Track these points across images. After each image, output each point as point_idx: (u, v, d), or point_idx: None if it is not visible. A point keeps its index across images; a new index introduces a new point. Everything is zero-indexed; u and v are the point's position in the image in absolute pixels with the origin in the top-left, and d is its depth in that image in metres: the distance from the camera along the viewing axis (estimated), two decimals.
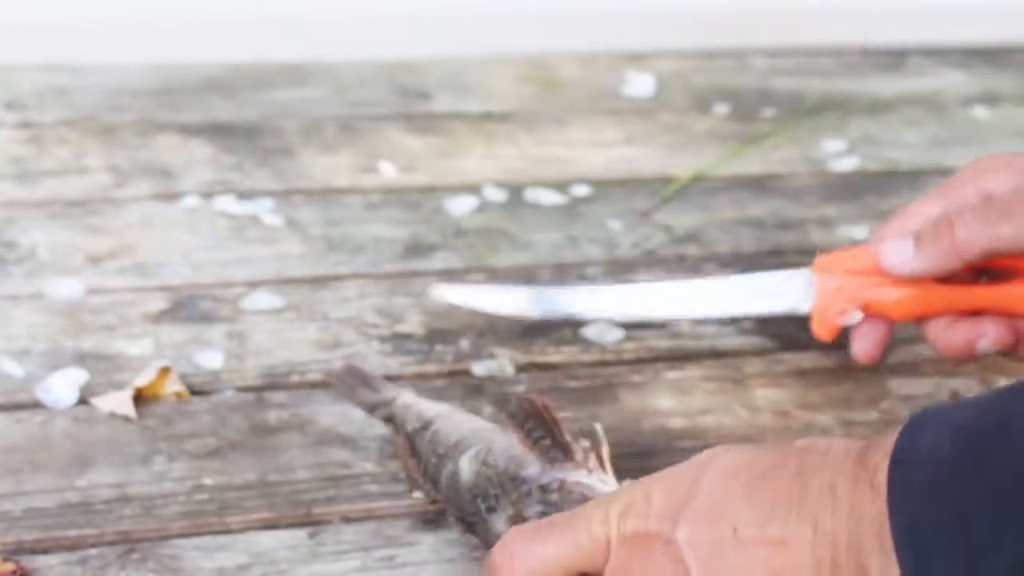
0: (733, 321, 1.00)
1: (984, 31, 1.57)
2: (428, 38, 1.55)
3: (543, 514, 0.71)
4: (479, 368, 0.93)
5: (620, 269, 1.06)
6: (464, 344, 0.96)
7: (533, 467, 0.74)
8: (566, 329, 0.97)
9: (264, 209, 1.11)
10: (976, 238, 0.81)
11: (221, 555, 0.76)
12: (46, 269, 1.01)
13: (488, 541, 0.73)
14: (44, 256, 1.03)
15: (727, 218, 1.15)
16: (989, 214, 0.82)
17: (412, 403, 0.84)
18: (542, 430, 0.76)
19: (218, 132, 1.25)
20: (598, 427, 0.77)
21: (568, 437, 0.76)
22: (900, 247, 0.83)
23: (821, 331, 0.88)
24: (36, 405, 0.87)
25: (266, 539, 0.77)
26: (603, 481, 0.74)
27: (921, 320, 0.88)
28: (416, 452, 0.81)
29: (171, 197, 1.13)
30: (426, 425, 0.81)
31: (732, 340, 0.98)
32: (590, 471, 0.74)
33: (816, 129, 1.33)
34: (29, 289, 0.98)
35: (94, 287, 0.99)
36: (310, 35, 1.53)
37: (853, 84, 1.44)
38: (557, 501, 0.72)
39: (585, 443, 0.76)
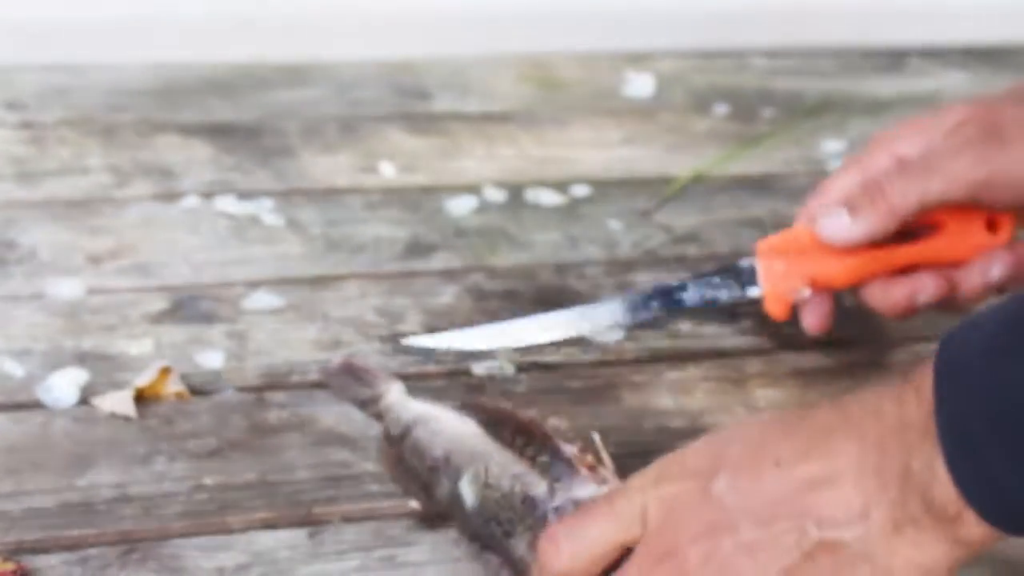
0: (733, 321, 1.00)
1: (984, 31, 1.57)
2: (428, 38, 1.55)
3: None
4: (479, 368, 0.93)
5: (620, 269, 1.06)
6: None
7: (540, 487, 0.73)
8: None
9: (264, 209, 1.11)
10: (908, 195, 0.84)
11: (221, 555, 0.76)
12: (47, 269, 1.01)
13: (512, 563, 0.73)
14: (45, 256, 1.03)
15: (727, 218, 1.15)
16: (914, 172, 0.84)
17: (394, 403, 0.84)
18: (535, 446, 0.75)
19: (218, 132, 1.25)
20: (596, 436, 0.77)
21: (568, 449, 0.75)
22: (836, 218, 0.85)
23: (775, 312, 0.91)
24: (36, 405, 0.87)
25: (266, 539, 0.77)
26: None
27: (862, 284, 0.90)
28: (402, 459, 0.80)
29: (171, 197, 1.13)
30: (405, 431, 0.81)
31: (732, 340, 0.98)
32: (599, 484, 0.73)
33: (816, 129, 1.33)
34: (30, 289, 0.99)
35: (94, 287, 0.99)
36: (310, 35, 1.53)
37: (853, 84, 1.44)
38: None
39: (588, 457, 0.75)
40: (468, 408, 0.81)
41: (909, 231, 0.88)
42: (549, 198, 1.17)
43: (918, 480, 0.60)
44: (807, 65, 1.50)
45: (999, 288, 0.89)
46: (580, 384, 0.93)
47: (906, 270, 0.89)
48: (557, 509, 0.72)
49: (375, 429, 0.85)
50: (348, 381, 0.88)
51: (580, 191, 1.19)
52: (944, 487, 0.60)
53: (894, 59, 1.51)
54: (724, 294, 0.91)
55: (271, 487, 0.81)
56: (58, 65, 1.36)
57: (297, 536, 0.77)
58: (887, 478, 0.61)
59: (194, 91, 1.33)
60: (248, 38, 1.51)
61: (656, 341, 0.98)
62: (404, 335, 0.95)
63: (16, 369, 0.90)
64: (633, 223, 1.13)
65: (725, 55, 1.52)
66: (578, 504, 0.72)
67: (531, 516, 0.73)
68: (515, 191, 1.18)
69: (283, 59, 1.42)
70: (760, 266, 0.90)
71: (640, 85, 1.42)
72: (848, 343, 0.99)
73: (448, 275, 1.04)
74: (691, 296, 0.91)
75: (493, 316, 0.99)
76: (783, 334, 0.99)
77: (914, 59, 1.51)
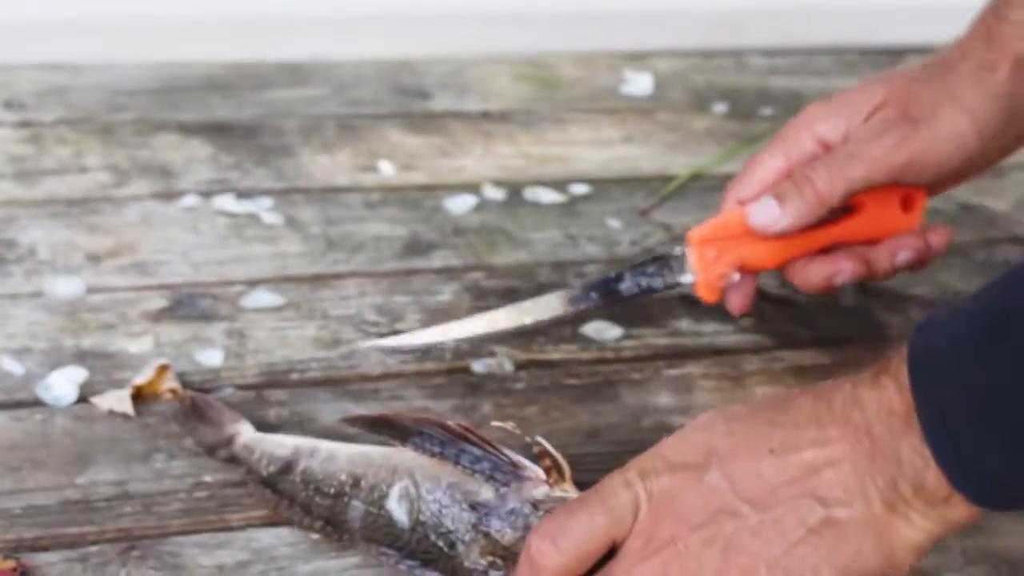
0: (732, 319, 1.00)
1: None
2: (427, 37, 1.55)
3: (523, 537, 0.70)
4: (479, 366, 0.93)
5: (619, 267, 1.06)
6: (463, 343, 0.96)
7: (486, 493, 0.72)
8: (566, 327, 0.98)
9: (263, 208, 1.11)
10: (835, 184, 0.86)
11: (221, 552, 0.76)
12: (46, 268, 1.01)
13: (459, 574, 0.72)
14: (44, 255, 1.03)
15: None
16: (839, 160, 0.87)
17: (254, 441, 0.81)
18: (471, 455, 0.73)
19: (218, 131, 1.25)
20: (542, 440, 0.73)
21: (512, 454, 0.73)
22: (766, 209, 0.87)
23: (707, 296, 0.92)
24: (36, 403, 0.87)
25: (266, 536, 0.77)
26: (566, 491, 0.72)
27: (786, 265, 0.93)
28: (283, 495, 0.78)
29: (171, 196, 1.13)
30: (287, 467, 0.78)
31: (731, 338, 0.99)
32: (552, 485, 0.72)
33: None
34: (29, 288, 0.99)
35: (94, 286, 0.99)
36: (309, 34, 1.53)
37: (851, 83, 1.44)
38: (534, 521, 0.71)
39: (546, 461, 0.73)
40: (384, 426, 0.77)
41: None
42: (548, 196, 1.17)
43: (909, 466, 0.63)
44: (806, 64, 1.50)
45: (909, 268, 0.93)
46: (579, 382, 0.93)
47: (827, 249, 0.92)
48: (513, 511, 0.71)
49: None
50: (195, 423, 0.84)
51: (579, 190, 1.19)
52: (934, 473, 0.62)
53: (892, 58, 1.51)
54: (659, 282, 0.92)
55: None
56: (57, 64, 1.36)
57: (297, 534, 0.77)
58: (880, 462, 0.63)
59: (193, 90, 1.33)
60: (248, 37, 1.51)
61: (655, 339, 0.98)
62: (401, 332, 0.95)
63: (16, 367, 0.90)
64: (632, 221, 1.14)
65: (724, 54, 1.52)
66: (538, 503, 0.71)
67: (483, 523, 0.72)
68: (514, 190, 1.18)
69: (282, 58, 1.42)
70: (692, 254, 0.91)
71: (639, 84, 1.42)
72: (847, 340, 0.99)
73: (447, 273, 1.05)
74: (628, 285, 0.92)
75: None
76: (782, 331, 0.99)
77: (912, 58, 1.51)
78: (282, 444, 0.80)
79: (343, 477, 0.76)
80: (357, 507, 0.75)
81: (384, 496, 0.74)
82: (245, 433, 0.82)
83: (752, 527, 0.64)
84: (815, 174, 0.86)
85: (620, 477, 0.68)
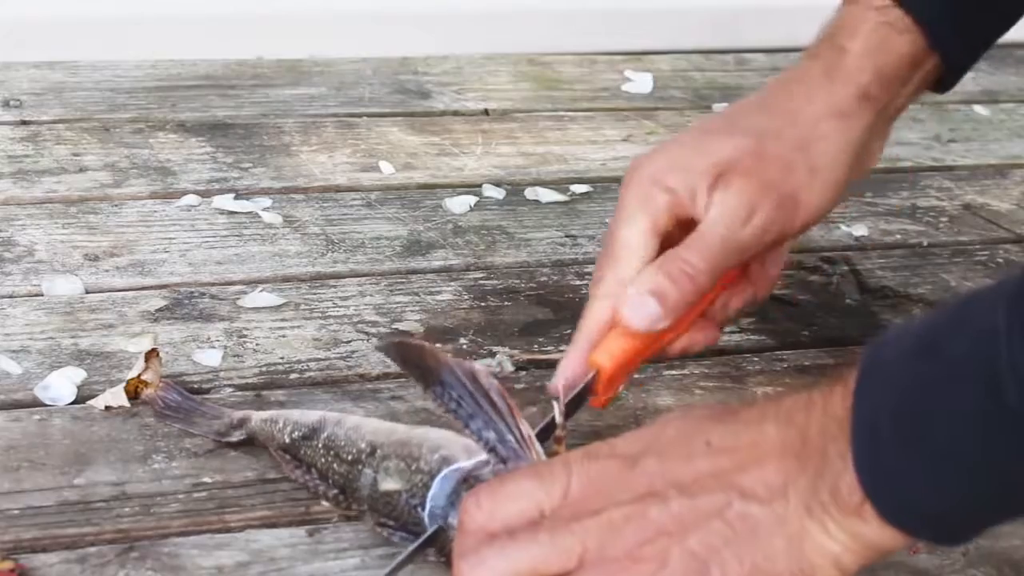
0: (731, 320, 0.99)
1: None
2: (427, 36, 1.55)
3: None
4: (478, 366, 0.92)
5: None
6: (463, 342, 0.95)
7: (484, 471, 0.73)
8: (566, 327, 0.97)
9: (262, 207, 1.11)
10: (711, 273, 0.80)
11: (220, 553, 0.75)
12: (44, 267, 1.01)
13: (432, 539, 0.72)
14: (42, 254, 1.02)
15: None
16: (709, 247, 0.80)
17: (276, 415, 0.81)
18: (484, 419, 0.73)
19: (216, 130, 1.25)
20: (556, 406, 0.76)
21: (525, 429, 0.73)
22: (646, 310, 0.79)
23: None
24: (34, 403, 0.86)
25: (265, 537, 0.77)
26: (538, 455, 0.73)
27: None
28: (302, 461, 0.79)
29: (169, 195, 1.12)
30: (312, 433, 0.79)
31: (732, 338, 0.98)
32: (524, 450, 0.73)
33: None
34: (27, 287, 0.98)
35: (92, 285, 0.99)
36: (309, 33, 1.53)
37: None
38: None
39: (557, 448, 0.74)
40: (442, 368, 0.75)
41: None
42: (548, 196, 1.17)
43: (832, 469, 0.63)
44: None
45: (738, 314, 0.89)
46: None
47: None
48: (472, 471, 0.72)
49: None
50: (184, 416, 0.85)
51: (579, 189, 1.18)
52: (850, 476, 0.62)
53: None
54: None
55: (270, 485, 0.80)
56: (56, 63, 1.36)
57: (296, 534, 0.77)
58: (805, 463, 0.64)
59: (192, 89, 1.33)
60: (247, 36, 1.51)
61: None
62: (404, 333, 0.95)
63: (14, 367, 0.89)
64: None
65: (724, 53, 1.52)
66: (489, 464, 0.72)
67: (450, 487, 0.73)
68: (514, 189, 1.18)
69: (282, 57, 1.42)
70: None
71: (639, 83, 1.42)
72: (847, 340, 0.99)
73: (447, 273, 1.04)
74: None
75: (492, 313, 0.99)
76: (782, 332, 0.99)
77: None
78: (309, 413, 0.81)
79: (362, 445, 0.77)
80: (368, 475, 0.76)
81: (387, 468, 0.75)
82: (257, 412, 0.83)
83: (673, 510, 0.65)
84: (689, 267, 0.80)
85: (563, 457, 0.70)
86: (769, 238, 0.82)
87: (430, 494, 0.73)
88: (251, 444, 0.82)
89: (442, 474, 0.73)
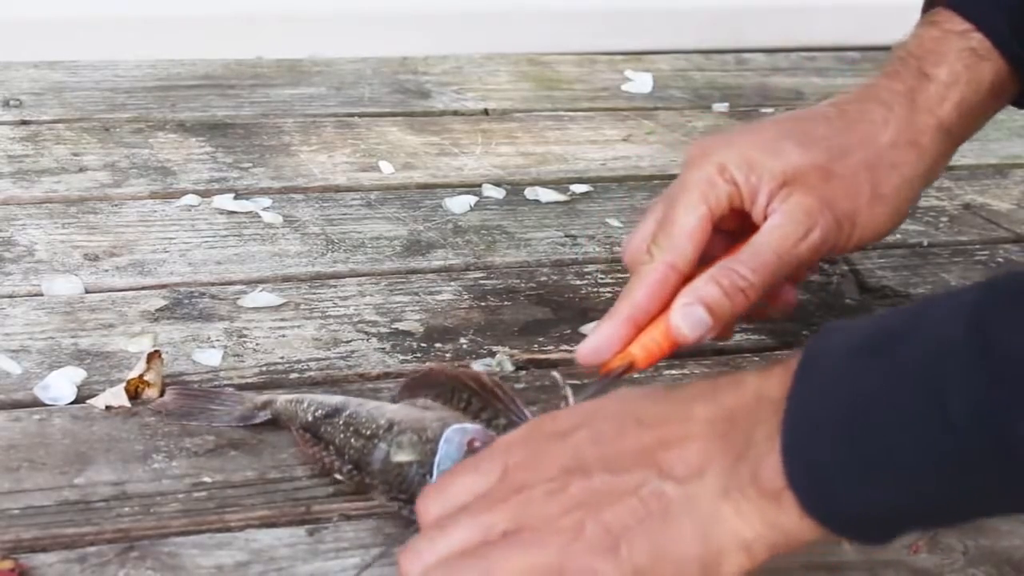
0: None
1: None
2: (427, 36, 1.55)
3: None
4: (478, 366, 0.93)
5: (619, 267, 1.06)
6: (463, 342, 0.95)
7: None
8: (565, 327, 0.97)
9: (262, 207, 1.11)
10: (762, 287, 0.80)
11: (220, 553, 0.75)
12: (44, 267, 1.01)
13: None
14: (42, 254, 1.02)
15: None
16: (765, 261, 0.80)
17: (302, 396, 0.84)
18: (492, 410, 0.77)
19: (216, 130, 1.25)
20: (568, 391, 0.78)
21: (528, 413, 0.77)
22: (696, 320, 0.79)
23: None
24: (34, 403, 0.86)
25: (265, 537, 0.77)
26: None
27: None
28: (321, 439, 0.80)
29: (169, 195, 1.12)
30: (335, 412, 0.81)
31: (732, 338, 0.98)
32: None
33: None
34: (27, 287, 0.98)
35: (92, 285, 0.99)
36: (308, 33, 1.53)
37: (852, 82, 1.44)
38: None
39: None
40: (418, 386, 0.82)
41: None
42: (548, 195, 1.17)
43: (755, 451, 0.63)
44: (806, 63, 1.50)
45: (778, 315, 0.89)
46: (579, 382, 0.92)
47: None
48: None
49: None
50: (197, 404, 0.86)
51: (579, 188, 1.18)
52: (774, 461, 0.62)
53: None
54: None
55: (270, 485, 0.80)
56: (56, 63, 1.36)
57: (296, 534, 0.77)
58: (729, 444, 0.64)
59: (192, 89, 1.33)
60: (246, 35, 1.51)
61: None
62: (404, 333, 0.95)
63: (14, 367, 0.89)
64: (632, 221, 1.13)
65: (724, 53, 1.52)
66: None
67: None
68: (514, 189, 1.18)
69: (281, 56, 1.42)
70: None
71: (639, 83, 1.42)
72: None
73: (447, 273, 1.04)
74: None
75: (492, 313, 0.99)
76: (782, 332, 0.99)
77: None
78: (335, 395, 0.84)
79: (382, 421, 0.78)
80: (382, 448, 0.77)
81: (400, 441, 0.76)
82: (283, 395, 0.85)
83: (594, 485, 0.66)
84: (744, 281, 0.79)
85: (505, 438, 0.72)
86: (821, 254, 0.82)
87: (436, 459, 0.75)
88: (275, 424, 0.84)
89: (444, 436, 0.75)
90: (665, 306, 0.80)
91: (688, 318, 0.79)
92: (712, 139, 0.86)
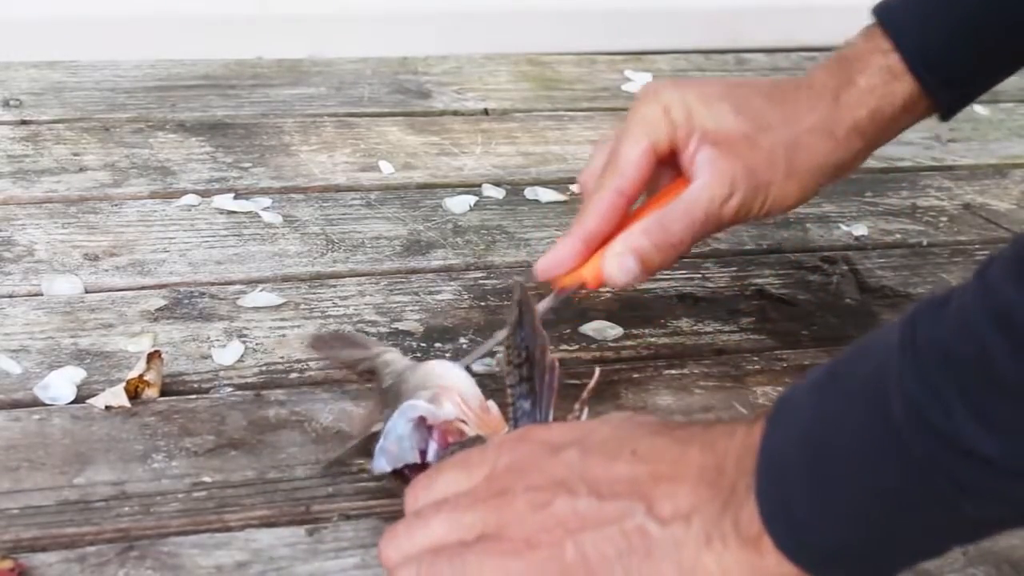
0: (733, 318, 0.99)
1: None
2: (427, 36, 1.55)
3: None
4: (478, 365, 0.93)
5: None
6: (463, 341, 0.95)
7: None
8: (565, 326, 0.97)
9: (262, 207, 1.11)
10: (686, 242, 0.87)
11: (220, 553, 0.75)
12: (44, 267, 1.01)
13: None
14: (42, 254, 1.02)
15: None
16: (691, 219, 0.87)
17: (393, 360, 0.87)
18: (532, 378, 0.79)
19: (216, 130, 1.25)
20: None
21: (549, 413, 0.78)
22: (626, 267, 0.87)
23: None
24: (34, 403, 0.86)
25: (265, 537, 0.77)
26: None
27: None
28: (390, 392, 0.83)
29: (169, 195, 1.12)
30: (399, 379, 0.83)
31: (732, 338, 0.98)
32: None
33: None
34: (27, 287, 0.98)
35: (92, 285, 0.99)
36: (308, 33, 1.53)
37: None
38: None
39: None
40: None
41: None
42: (548, 195, 1.17)
43: (736, 499, 0.64)
44: (806, 63, 1.50)
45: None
46: (579, 381, 0.92)
47: None
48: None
49: (374, 428, 0.85)
50: (338, 346, 0.92)
51: (579, 189, 1.18)
52: (751, 506, 0.63)
53: None
54: None
55: (270, 484, 0.80)
56: (55, 63, 1.36)
57: (296, 534, 0.77)
58: (716, 492, 0.64)
59: (192, 88, 1.33)
60: (246, 35, 1.51)
61: (655, 338, 0.97)
62: (404, 333, 0.95)
63: (13, 367, 0.89)
64: None
65: (724, 53, 1.52)
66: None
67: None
68: (514, 189, 1.18)
69: (281, 56, 1.42)
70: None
71: (639, 83, 1.42)
72: (847, 340, 0.98)
73: (447, 273, 1.04)
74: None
75: (492, 313, 0.99)
76: (782, 332, 0.99)
77: None
78: (409, 364, 0.87)
79: (411, 385, 0.82)
80: (387, 412, 0.79)
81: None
82: (389, 354, 0.88)
83: (579, 507, 0.66)
84: (675, 237, 0.86)
85: (498, 440, 0.73)
86: (739, 218, 0.88)
87: (385, 428, 0.78)
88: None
89: (400, 408, 0.78)
90: (614, 229, 0.88)
91: (620, 267, 0.87)
92: (664, 81, 0.92)
